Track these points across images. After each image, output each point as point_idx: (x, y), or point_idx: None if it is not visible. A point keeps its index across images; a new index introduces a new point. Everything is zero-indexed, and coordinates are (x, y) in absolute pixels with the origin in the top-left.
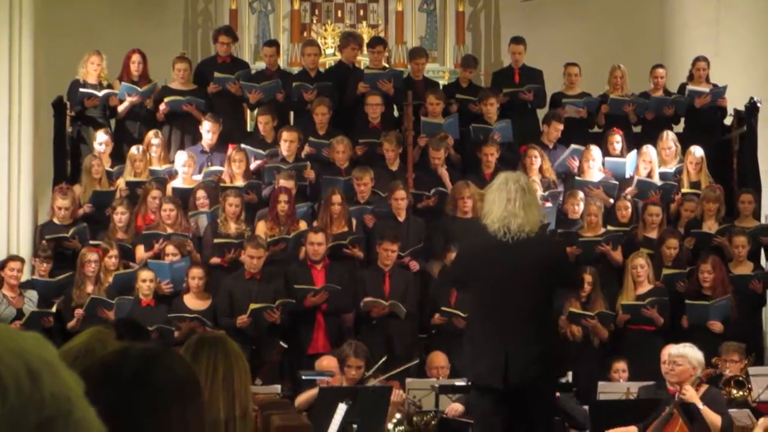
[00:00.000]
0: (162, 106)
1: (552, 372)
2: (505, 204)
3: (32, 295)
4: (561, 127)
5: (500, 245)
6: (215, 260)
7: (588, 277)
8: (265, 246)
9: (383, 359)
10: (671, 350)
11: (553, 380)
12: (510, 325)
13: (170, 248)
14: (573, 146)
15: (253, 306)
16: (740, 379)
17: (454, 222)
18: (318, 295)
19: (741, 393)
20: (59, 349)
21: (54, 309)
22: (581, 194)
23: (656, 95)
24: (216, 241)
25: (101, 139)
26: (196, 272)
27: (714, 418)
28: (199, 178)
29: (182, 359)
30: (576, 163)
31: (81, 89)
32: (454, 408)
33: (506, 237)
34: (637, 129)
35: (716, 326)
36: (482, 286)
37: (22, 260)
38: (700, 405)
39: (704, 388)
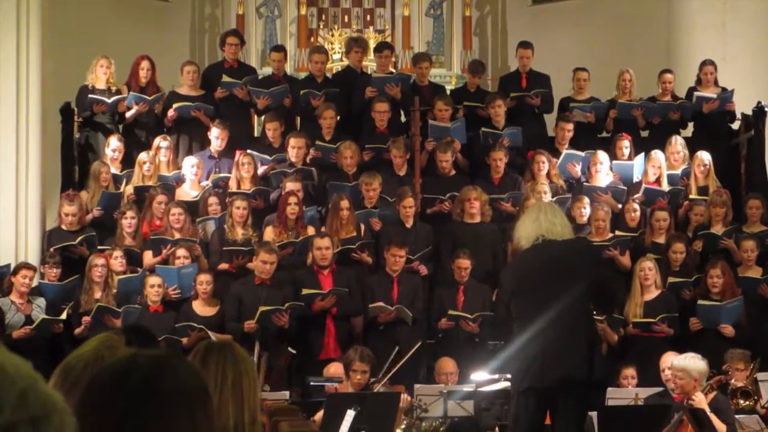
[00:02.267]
0: (171, 112)
1: (593, 372)
2: (537, 216)
3: (40, 302)
4: (570, 127)
5: (542, 247)
6: (223, 266)
7: None
8: (277, 251)
9: (392, 356)
10: (674, 362)
11: (592, 380)
12: (553, 325)
13: (181, 251)
14: (566, 151)
15: (262, 308)
16: (747, 389)
17: (461, 227)
18: (326, 299)
19: (748, 403)
20: (68, 356)
21: (64, 316)
22: (587, 199)
23: (664, 100)
24: (225, 248)
25: (114, 146)
26: (204, 278)
27: (719, 427)
28: (207, 183)
29: (191, 366)
30: (577, 168)
31: (90, 95)
32: None
33: (542, 241)
34: (645, 134)
35: (728, 330)
36: (527, 288)
37: (34, 269)
38: (708, 412)
39: (713, 395)
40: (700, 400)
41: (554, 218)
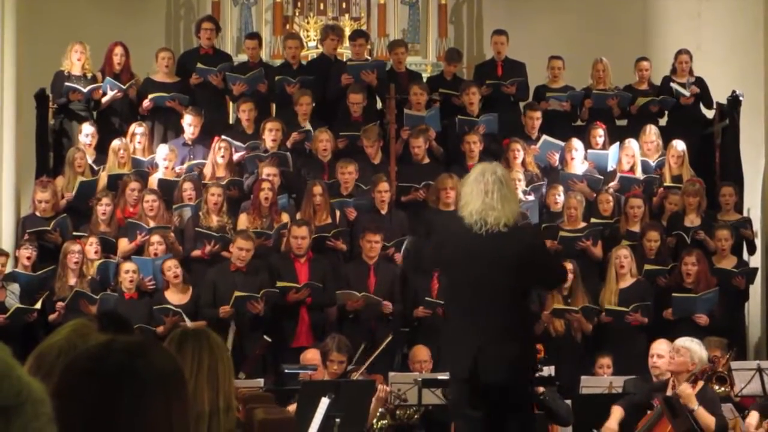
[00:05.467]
0: (146, 103)
1: (526, 368)
2: (483, 197)
3: (14, 288)
4: (537, 115)
5: (476, 238)
6: (196, 253)
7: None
8: (254, 239)
9: (361, 348)
10: (678, 341)
11: (527, 376)
12: (486, 321)
13: (155, 238)
14: (545, 137)
15: (237, 294)
16: (722, 374)
17: (436, 214)
18: (300, 292)
19: (723, 388)
20: (41, 344)
21: (38, 306)
22: (561, 187)
23: (640, 88)
24: (197, 230)
25: (87, 131)
26: (170, 263)
27: (708, 420)
28: (182, 167)
29: (167, 351)
30: (556, 157)
31: (66, 83)
32: None
33: (482, 230)
34: (621, 122)
35: (702, 320)
36: (458, 280)
37: (6, 254)
38: (695, 405)
39: (699, 386)
40: (689, 395)
41: (498, 204)
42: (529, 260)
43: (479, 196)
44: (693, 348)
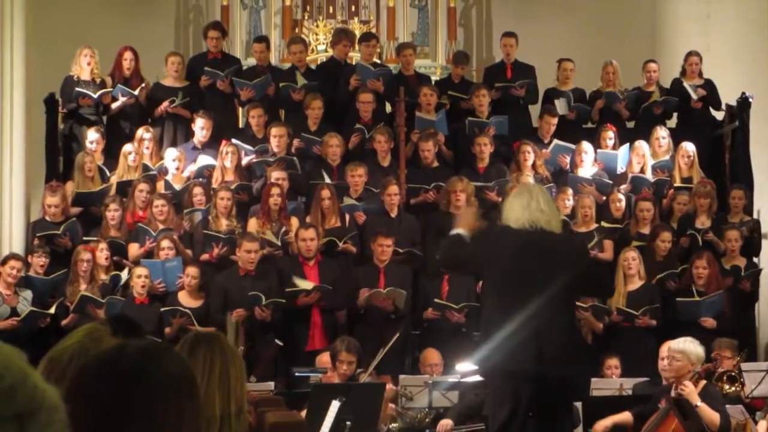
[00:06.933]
0: (165, 104)
1: (585, 361)
2: (527, 202)
3: (27, 294)
4: (554, 120)
5: (530, 235)
6: (204, 256)
7: None
8: (259, 240)
9: (392, 341)
10: (671, 344)
11: (586, 368)
12: (542, 313)
13: (165, 242)
14: (556, 141)
15: (252, 293)
16: (733, 374)
17: (447, 217)
18: (310, 296)
19: (733, 388)
20: (53, 348)
21: (52, 310)
22: (570, 190)
23: (649, 90)
24: (205, 232)
25: (92, 138)
26: (191, 271)
27: (713, 416)
28: (193, 168)
29: (179, 356)
30: (567, 160)
31: (77, 89)
32: (443, 424)
33: (532, 228)
34: (630, 124)
35: (708, 322)
36: (511, 274)
37: (22, 260)
38: (699, 402)
39: (702, 384)
40: (691, 391)
41: (545, 207)
42: (582, 267)
43: (523, 203)
44: (688, 349)
